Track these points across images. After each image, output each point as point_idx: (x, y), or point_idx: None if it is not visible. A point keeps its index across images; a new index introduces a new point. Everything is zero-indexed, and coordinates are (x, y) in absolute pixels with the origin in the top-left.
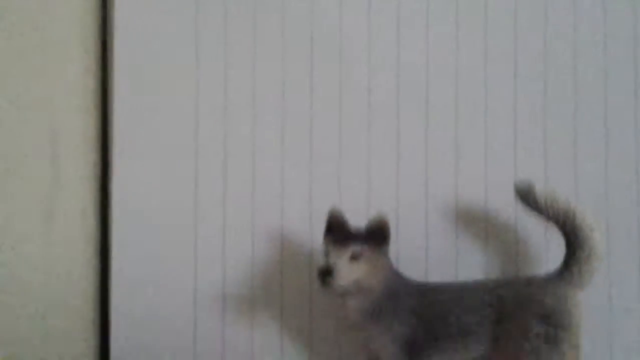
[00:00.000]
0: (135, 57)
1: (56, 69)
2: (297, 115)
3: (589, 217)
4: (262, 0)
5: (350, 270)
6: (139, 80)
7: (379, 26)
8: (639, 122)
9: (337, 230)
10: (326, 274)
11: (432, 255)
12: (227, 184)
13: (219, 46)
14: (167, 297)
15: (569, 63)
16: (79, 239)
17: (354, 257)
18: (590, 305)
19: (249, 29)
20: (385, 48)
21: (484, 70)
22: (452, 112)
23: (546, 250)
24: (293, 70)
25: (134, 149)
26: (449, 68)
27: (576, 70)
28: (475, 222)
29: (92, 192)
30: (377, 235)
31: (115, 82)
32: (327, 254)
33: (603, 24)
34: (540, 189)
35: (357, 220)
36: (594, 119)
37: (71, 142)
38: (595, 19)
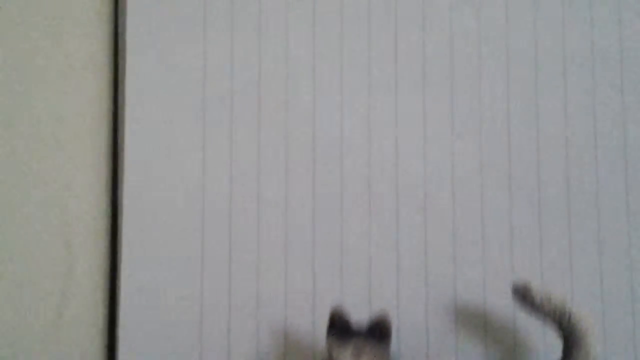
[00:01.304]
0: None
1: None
2: (300, 213)
3: (585, 318)
4: (267, 119)
5: None
6: (147, 182)
7: (379, 138)
8: (631, 224)
9: (339, 327)
10: None
11: (432, 354)
12: (231, 282)
13: (224, 152)
14: None
15: (562, 168)
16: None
17: (356, 355)
18: None
19: (254, 150)
20: (385, 156)
21: (480, 177)
22: (450, 215)
23: (544, 349)
24: (296, 177)
25: (142, 250)
26: (446, 175)
27: (569, 175)
28: (474, 320)
29: (102, 274)
30: (379, 332)
31: (125, 185)
32: (329, 351)
33: (593, 128)
34: (537, 289)
35: (359, 314)
36: (588, 222)
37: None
38: (587, 125)
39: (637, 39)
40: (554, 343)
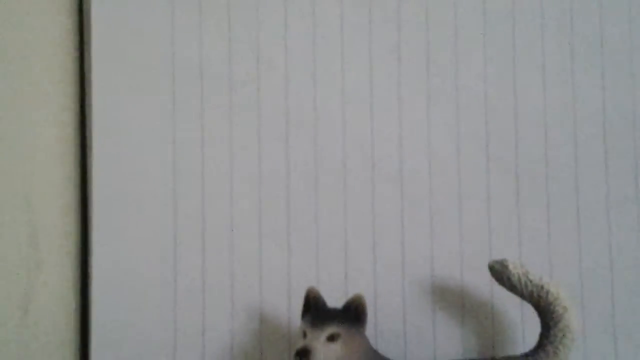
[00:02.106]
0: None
1: (34, 151)
2: (274, 191)
3: (563, 296)
4: (238, 88)
5: (327, 351)
6: (117, 170)
7: (352, 106)
8: (610, 200)
9: (314, 310)
10: (303, 355)
11: (410, 333)
12: (205, 263)
13: (194, 124)
14: None
15: (541, 142)
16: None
17: (331, 338)
18: None
19: (226, 123)
20: (359, 130)
21: (457, 151)
22: (427, 191)
23: (522, 326)
24: (268, 150)
25: (113, 234)
26: (422, 148)
27: (547, 149)
28: (452, 301)
29: (72, 266)
30: (354, 315)
31: (94, 170)
32: (304, 335)
33: (573, 103)
34: (514, 268)
35: (335, 298)
36: (567, 198)
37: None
38: (566, 100)
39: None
40: (532, 319)
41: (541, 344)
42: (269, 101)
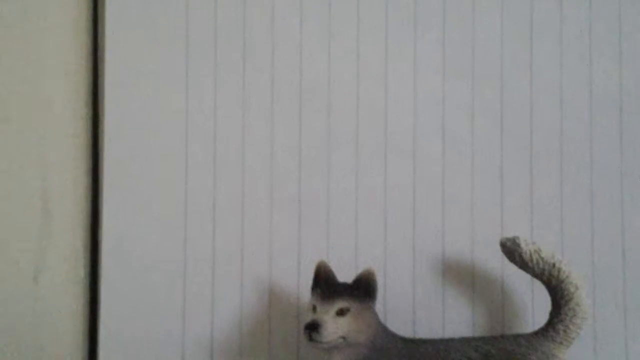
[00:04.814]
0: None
1: (47, 123)
2: (285, 167)
3: (575, 274)
4: (252, 62)
5: (336, 325)
6: (129, 136)
7: (367, 80)
8: (624, 178)
9: (324, 284)
10: (312, 329)
11: (420, 310)
12: (215, 234)
13: (209, 99)
14: (155, 347)
15: (556, 118)
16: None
17: (341, 313)
18: None
19: (239, 97)
20: (373, 102)
21: (471, 125)
22: (440, 166)
23: (532, 303)
24: (281, 121)
25: (124, 204)
26: (436, 123)
27: (562, 125)
28: (462, 278)
29: (82, 246)
30: (364, 290)
31: (106, 139)
32: (313, 309)
33: (589, 78)
34: (526, 245)
35: (345, 273)
36: (581, 175)
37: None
38: (582, 75)
39: None
40: (542, 297)
41: (551, 322)
42: (283, 77)
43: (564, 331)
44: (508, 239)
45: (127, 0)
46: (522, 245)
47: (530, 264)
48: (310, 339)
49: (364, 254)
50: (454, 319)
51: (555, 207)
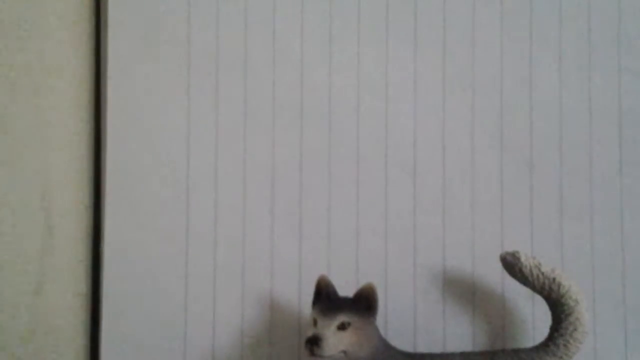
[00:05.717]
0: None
1: (49, 137)
2: (287, 181)
3: (574, 288)
4: (253, 74)
5: (337, 340)
6: (131, 152)
7: (367, 95)
8: (624, 193)
9: (325, 298)
10: (314, 343)
11: (420, 324)
12: (217, 249)
13: (209, 112)
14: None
15: (555, 132)
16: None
17: (342, 327)
18: None
19: (240, 110)
20: (374, 117)
21: (471, 139)
22: (440, 180)
23: (533, 317)
24: (282, 135)
25: (126, 219)
26: (437, 136)
27: (562, 140)
28: (463, 292)
29: (84, 252)
30: (365, 304)
31: (108, 154)
32: (314, 323)
33: (588, 92)
34: (526, 260)
35: (346, 287)
36: (581, 189)
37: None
38: (582, 89)
39: None
40: (542, 312)
41: (552, 337)
42: (284, 89)
43: (565, 345)
44: (508, 253)
45: (129, 8)
46: (523, 259)
47: (530, 279)
48: (312, 353)
49: (365, 268)
50: (454, 333)
51: (555, 222)
